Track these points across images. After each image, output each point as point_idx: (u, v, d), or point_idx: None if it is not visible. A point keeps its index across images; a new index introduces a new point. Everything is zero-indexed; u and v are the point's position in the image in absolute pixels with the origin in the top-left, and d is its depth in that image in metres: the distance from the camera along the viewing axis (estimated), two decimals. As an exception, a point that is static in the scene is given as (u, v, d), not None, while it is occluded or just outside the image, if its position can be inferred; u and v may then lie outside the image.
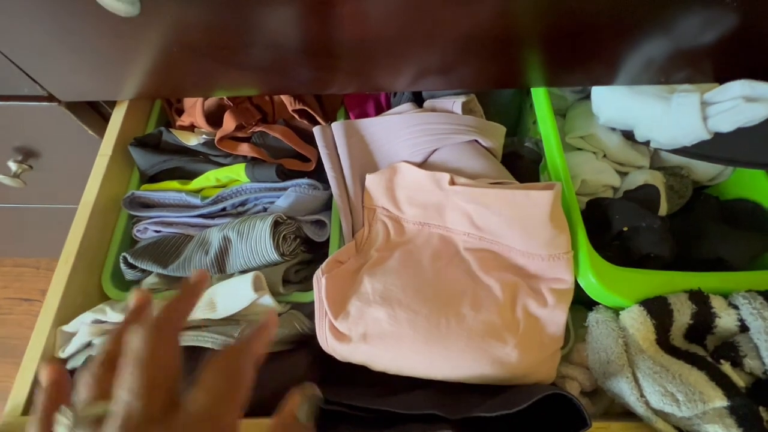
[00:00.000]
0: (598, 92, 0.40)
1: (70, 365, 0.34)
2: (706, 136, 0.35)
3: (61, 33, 0.33)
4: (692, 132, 0.35)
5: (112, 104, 0.45)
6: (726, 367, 0.29)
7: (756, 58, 0.36)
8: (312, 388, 0.22)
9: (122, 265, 0.39)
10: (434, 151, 0.41)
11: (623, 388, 0.29)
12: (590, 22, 0.35)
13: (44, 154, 0.52)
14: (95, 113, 0.46)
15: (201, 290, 0.21)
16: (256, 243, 0.37)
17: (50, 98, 0.41)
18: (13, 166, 0.52)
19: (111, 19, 0.29)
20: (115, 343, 0.19)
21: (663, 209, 0.40)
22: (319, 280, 0.35)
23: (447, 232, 0.39)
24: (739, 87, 0.33)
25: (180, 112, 0.48)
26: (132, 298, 0.21)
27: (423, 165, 0.41)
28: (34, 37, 0.34)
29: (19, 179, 0.52)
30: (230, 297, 0.35)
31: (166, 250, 0.39)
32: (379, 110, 0.48)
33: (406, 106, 0.43)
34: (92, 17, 0.30)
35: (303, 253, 0.42)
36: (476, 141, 0.40)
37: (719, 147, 0.36)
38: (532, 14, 0.34)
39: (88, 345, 0.35)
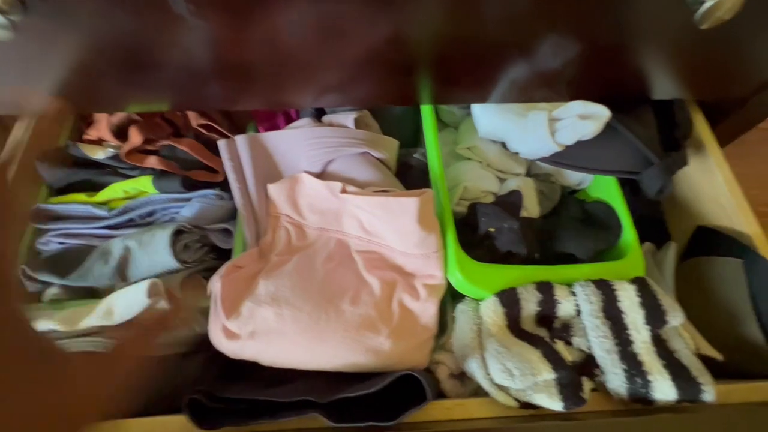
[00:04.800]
0: (475, 109, 0.45)
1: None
2: (556, 149, 0.40)
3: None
4: (545, 145, 0.40)
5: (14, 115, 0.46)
6: (559, 345, 0.34)
7: (598, 80, 0.42)
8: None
9: (21, 278, 0.39)
10: (330, 162, 0.44)
11: (474, 368, 0.33)
12: (464, 49, 0.39)
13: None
14: (-2, 127, 0.46)
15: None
16: (155, 252, 0.39)
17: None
18: None
19: (-6, 42, 0.31)
20: None
21: (535, 212, 0.46)
22: (215, 284, 0.37)
23: (343, 236, 0.42)
24: (575, 106, 0.39)
25: (91, 123, 0.49)
26: None
27: (321, 175, 0.44)
28: None
29: None
30: (126, 304, 0.37)
31: (67, 261, 0.40)
32: (289, 122, 0.51)
33: (305, 121, 0.46)
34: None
35: (212, 260, 0.45)
36: (368, 152, 0.44)
37: (572, 156, 0.42)
38: (416, 43, 0.38)
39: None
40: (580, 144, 0.41)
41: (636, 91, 0.43)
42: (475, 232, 0.42)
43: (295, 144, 0.45)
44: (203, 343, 0.39)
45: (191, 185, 0.45)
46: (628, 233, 0.42)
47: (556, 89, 0.43)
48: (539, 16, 0.36)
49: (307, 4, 0.33)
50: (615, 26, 0.37)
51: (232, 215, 0.46)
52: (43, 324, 0.36)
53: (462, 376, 0.38)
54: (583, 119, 0.38)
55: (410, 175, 0.46)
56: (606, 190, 0.46)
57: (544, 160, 0.43)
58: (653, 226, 0.49)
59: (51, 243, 0.42)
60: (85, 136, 0.47)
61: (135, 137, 0.44)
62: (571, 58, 0.40)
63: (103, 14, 0.31)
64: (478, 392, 0.38)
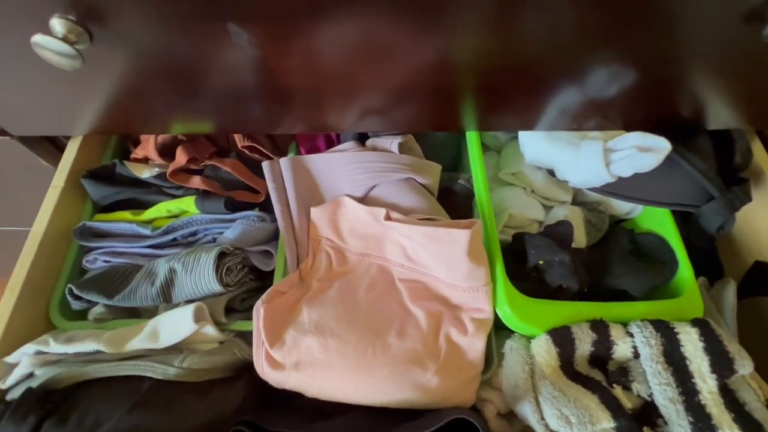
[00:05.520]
0: (523, 135, 0.44)
1: (9, 396, 0.35)
2: (610, 180, 0.39)
3: (10, 76, 0.35)
4: (598, 176, 0.39)
5: (68, 135, 0.47)
6: (617, 390, 0.32)
7: (654, 109, 0.41)
8: None
9: (68, 296, 0.40)
10: (374, 186, 0.44)
11: (527, 411, 0.32)
12: (513, 76, 0.38)
13: (-1, 181, 0.53)
14: (50, 145, 0.47)
15: None
16: (200, 275, 0.38)
17: (2, 132, 0.42)
18: (-34, 192, 0.52)
19: (56, 68, 0.31)
20: None
21: (582, 242, 0.44)
22: (258, 310, 0.37)
23: (385, 262, 0.42)
24: (634, 137, 0.37)
25: (137, 142, 0.50)
26: None
27: (363, 199, 0.44)
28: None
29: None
30: (172, 327, 0.37)
31: (113, 281, 0.41)
32: (329, 145, 0.51)
33: (349, 144, 0.46)
34: (38, 64, 0.31)
35: (251, 281, 0.44)
36: (413, 178, 0.44)
37: (625, 186, 0.41)
38: (462, 70, 0.38)
39: (30, 376, 0.36)
40: (634, 174, 0.39)
41: (694, 120, 0.42)
42: (521, 264, 0.40)
43: (339, 168, 0.44)
44: (246, 368, 0.38)
45: (233, 206, 0.45)
46: (684, 269, 0.40)
47: (610, 117, 0.41)
48: (597, 42, 0.35)
49: (356, 31, 0.33)
50: (679, 55, 0.35)
51: (273, 237, 0.45)
52: (90, 345, 0.36)
53: (509, 416, 0.36)
54: (642, 151, 0.36)
55: (453, 201, 0.45)
56: (659, 220, 0.44)
57: (595, 189, 0.42)
58: (705, 258, 0.47)
59: (97, 261, 0.43)
60: (132, 155, 0.48)
61: (180, 157, 0.45)
62: (629, 86, 0.38)
63: (163, 44, 0.32)
64: (525, 432, 0.37)
